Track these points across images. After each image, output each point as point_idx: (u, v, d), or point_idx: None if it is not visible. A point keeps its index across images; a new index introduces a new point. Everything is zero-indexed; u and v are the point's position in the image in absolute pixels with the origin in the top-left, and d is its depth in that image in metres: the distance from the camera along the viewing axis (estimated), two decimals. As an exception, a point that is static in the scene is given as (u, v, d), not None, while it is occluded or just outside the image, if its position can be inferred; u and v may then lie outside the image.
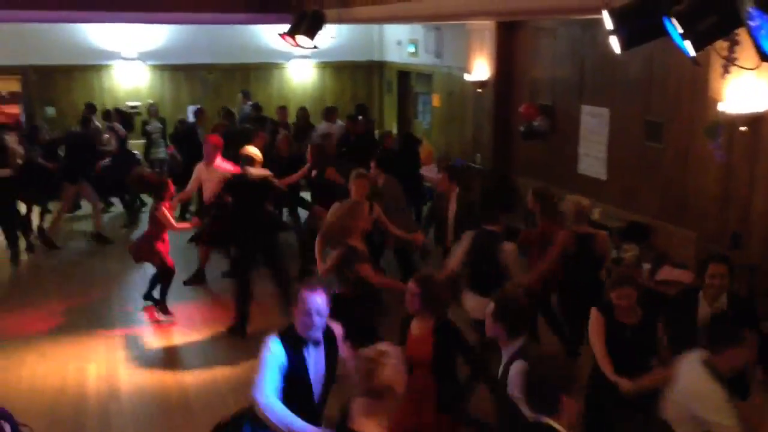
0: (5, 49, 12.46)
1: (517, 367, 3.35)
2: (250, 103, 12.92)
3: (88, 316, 7.48)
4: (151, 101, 13.03)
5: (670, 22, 3.16)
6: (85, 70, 13.23)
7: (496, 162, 10.63)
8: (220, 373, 6.26)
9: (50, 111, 12.58)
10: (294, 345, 3.46)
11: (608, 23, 3.63)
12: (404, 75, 14.24)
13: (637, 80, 7.93)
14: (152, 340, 6.97)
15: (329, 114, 11.97)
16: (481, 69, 10.62)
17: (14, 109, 14.94)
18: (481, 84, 10.64)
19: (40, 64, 12.82)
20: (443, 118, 12.49)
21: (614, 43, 3.73)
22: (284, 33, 8.80)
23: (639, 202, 8.01)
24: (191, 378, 6.21)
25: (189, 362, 6.52)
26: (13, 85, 16.59)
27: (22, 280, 8.85)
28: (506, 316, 3.46)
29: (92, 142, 10.50)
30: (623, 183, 8.27)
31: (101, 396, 5.88)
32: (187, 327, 7.22)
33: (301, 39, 8.62)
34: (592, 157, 8.79)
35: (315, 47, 8.80)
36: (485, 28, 10.46)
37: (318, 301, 3.44)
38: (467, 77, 10.82)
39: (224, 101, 13.48)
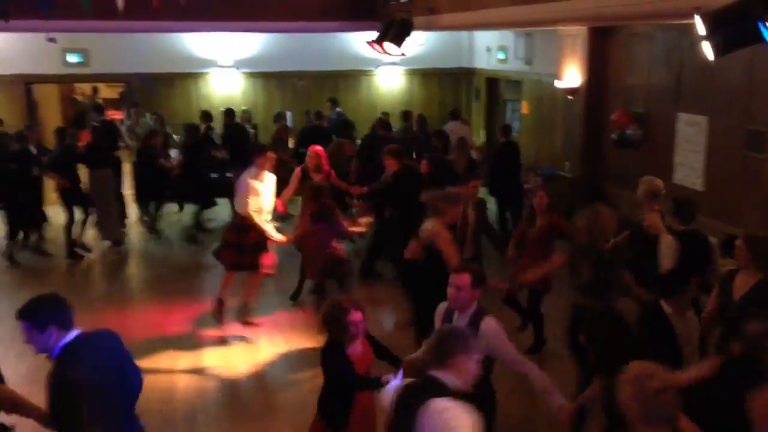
0: (112, 58, 13.16)
1: (491, 322, 3.83)
2: (338, 110, 13.12)
3: (181, 318, 7.77)
4: (244, 108, 13.44)
5: (766, 27, 2.99)
6: (184, 78, 13.79)
7: (586, 170, 10.35)
8: (304, 375, 6.35)
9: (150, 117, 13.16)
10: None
11: (701, 28, 3.46)
12: (493, 82, 14.10)
13: (738, 87, 7.54)
14: (241, 342, 7.14)
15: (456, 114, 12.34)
16: (572, 75, 10.38)
17: (117, 115, 15.78)
18: (572, 91, 10.40)
19: (143, 72, 13.46)
20: (532, 125, 12.28)
21: (707, 49, 3.55)
22: (372, 40, 8.88)
23: (738, 215, 7.60)
24: (276, 380, 6.36)
25: (274, 365, 6.66)
26: (116, 92, 17.58)
27: (132, 277, 9.31)
28: (481, 283, 3.91)
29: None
30: (722, 195, 7.87)
31: (189, 392, 6.09)
32: (274, 331, 7.36)
33: (388, 46, 8.68)
34: (688, 167, 8.42)
35: (402, 54, 8.84)
36: (577, 34, 10.22)
37: None
38: (558, 84, 10.60)
39: (314, 107, 13.73)
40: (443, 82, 14.99)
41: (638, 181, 8.97)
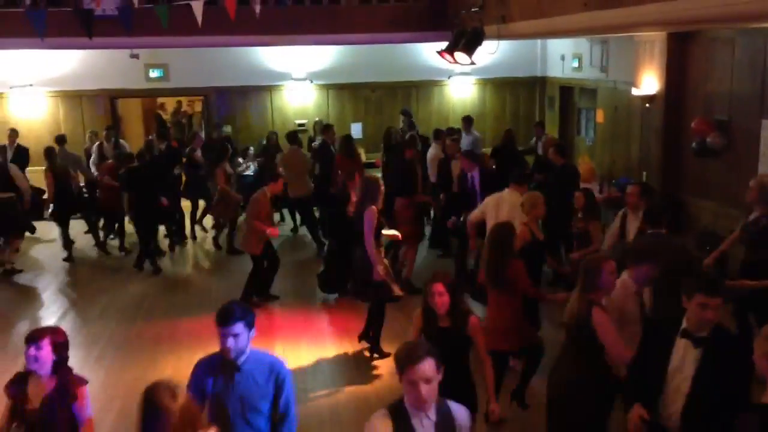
0: (191, 73, 13.60)
1: None
2: (410, 120, 13.15)
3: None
4: (317, 119, 13.64)
5: None
6: (259, 91, 14.11)
7: (665, 180, 9.99)
8: (371, 387, 6.37)
9: (227, 129, 13.52)
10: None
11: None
12: (567, 90, 13.84)
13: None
14: (305, 353, 7.20)
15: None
16: (649, 83, 10.07)
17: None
18: (650, 98, 10.08)
19: (220, 86, 13.85)
20: (607, 134, 11.97)
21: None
22: (443, 50, 8.85)
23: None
24: (342, 391, 6.38)
25: (340, 375, 6.71)
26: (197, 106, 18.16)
27: (196, 288, 9.57)
28: None
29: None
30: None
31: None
32: (340, 340, 7.43)
33: (459, 56, 8.62)
34: (775, 177, 8.01)
35: (473, 63, 8.77)
36: (655, 40, 9.92)
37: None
38: (634, 91, 10.30)
39: (386, 119, 13.83)
40: (516, 91, 14.83)
41: (720, 192, 8.63)
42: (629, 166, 10.98)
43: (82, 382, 3.92)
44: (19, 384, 3.87)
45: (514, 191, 7.23)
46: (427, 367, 2.91)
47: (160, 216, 10.17)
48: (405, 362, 2.94)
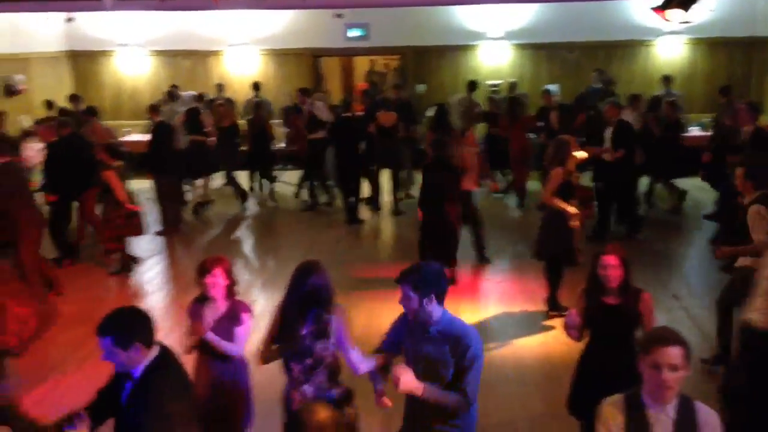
0: (389, 32, 13.85)
1: None
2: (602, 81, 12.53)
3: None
4: (512, 80, 13.37)
5: None
6: (455, 50, 14.05)
7: None
8: (555, 349, 6.25)
9: (421, 88, 13.67)
10: None
11: None
12: (794, 52, 12.42)
13: None
14: (492, 310, 7.20)
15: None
16: None
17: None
18: None
19: (417, 45, 13.99)
20: (842, 102, 10.63)
21: None
22: (656, 7, 8.29)
23: None
24: (527, 352, 6.32)
25: (525, 334, 6.65)
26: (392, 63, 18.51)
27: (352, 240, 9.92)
28: None
29: None
30: None
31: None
32: (525, 299, 7.39)
33: (673, 13, 8.03)
34: None
35: (687, 22, 8.14)
36: None
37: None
38: None
39: (583, 81, 13.24)
40: (732, 53, 13.54)
41: None
42: None
43: (246, 308, 4.26)
44: (198, 303, 4.23)
45: None
46: (677, 353, 2.62)
47: (360, 169, 10.53)
48: (652, 343, 2.67)
